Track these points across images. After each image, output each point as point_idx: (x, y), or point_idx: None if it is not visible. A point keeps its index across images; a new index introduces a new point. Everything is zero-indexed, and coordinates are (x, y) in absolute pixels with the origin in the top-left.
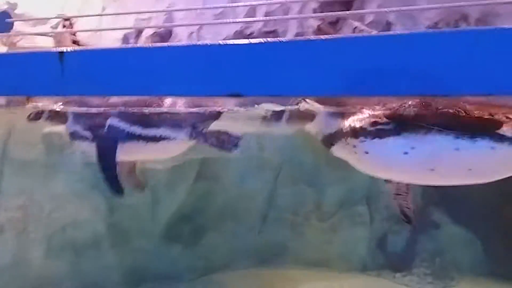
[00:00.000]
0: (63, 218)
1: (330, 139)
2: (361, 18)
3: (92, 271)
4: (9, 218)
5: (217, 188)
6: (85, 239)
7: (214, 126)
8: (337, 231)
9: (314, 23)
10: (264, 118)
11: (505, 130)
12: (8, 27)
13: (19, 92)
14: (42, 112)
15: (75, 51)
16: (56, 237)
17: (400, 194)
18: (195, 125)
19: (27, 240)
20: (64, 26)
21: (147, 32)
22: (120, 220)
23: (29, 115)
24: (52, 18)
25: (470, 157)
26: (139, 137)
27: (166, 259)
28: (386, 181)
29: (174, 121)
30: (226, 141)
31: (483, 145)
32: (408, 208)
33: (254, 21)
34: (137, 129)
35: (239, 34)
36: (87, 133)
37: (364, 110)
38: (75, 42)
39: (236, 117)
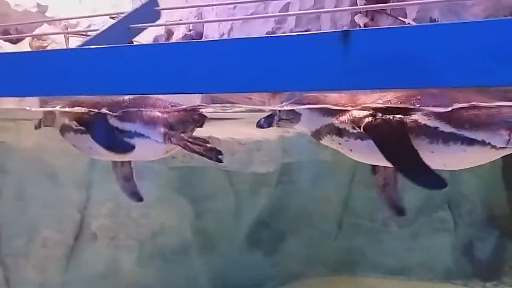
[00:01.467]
0: (150, 225)
1: (317, 135)
2: (404, 15)
3: (180, 278)
4: (99, 225)
5: (293, 192)
6: (172, 245)
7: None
8: (418, 238)
9: (360, 21)
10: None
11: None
12: (156, 16)
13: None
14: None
15: None
16: (145, 244)
17: (389, 184)
18: (172, 127)
19: (119, 248)
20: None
21: (178, 35)
22: (205, 226)
23: (35, 126)
24: (106, 15)
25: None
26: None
27: (248, 266)
28: (373, 173)
29: (149, 119)
30: (208, 149)
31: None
32: (398, 198)
33: (269, 17)
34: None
35: (271, 34)
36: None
37: (346, 109)
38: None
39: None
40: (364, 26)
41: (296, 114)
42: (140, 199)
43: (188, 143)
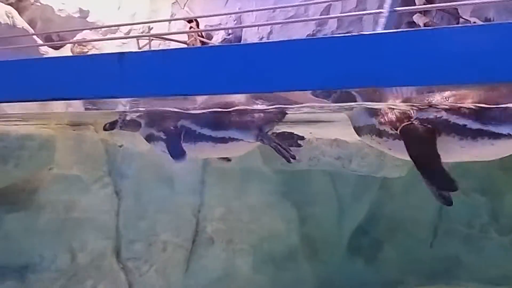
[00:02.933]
0: (260, 229)
1: (358, 131)
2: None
3: (289, 285)
4: (215, 229)
5: (388, 198)
6: (282, 250)
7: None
8: None
9: (419, 21)
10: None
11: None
12: None
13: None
14: (116, 121)
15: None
16: (258, 248)
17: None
18: (262, 127)
19: (235, 252)
20: (190, 28)
21: (217, 39)
22: (310, 231)
23: (105, 126)
24: (181, 19)
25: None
26: (209, 138)
27: (350, 273)
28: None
29: (241, 123)
30: (286, 148)
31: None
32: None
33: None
34: (207, 131)
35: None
36: (161, 134)
37: (387, 111)
38: (203, 43)
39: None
40: (424, 25)
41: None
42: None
43: (278, 146)
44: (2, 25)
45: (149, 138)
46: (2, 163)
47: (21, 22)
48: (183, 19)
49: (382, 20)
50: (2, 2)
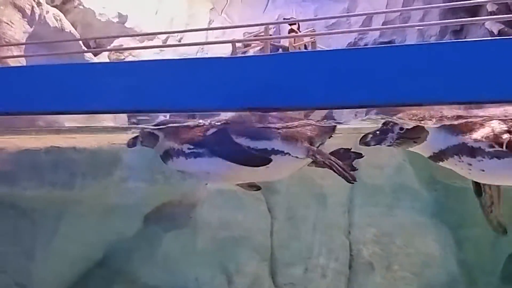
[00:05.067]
0: (417, 254)
1: (440, 156)
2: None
3: None
4: (371, 253)
5: None
6: (441, 279)
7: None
8: None
9: (493, 28)
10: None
11: None
12: None
13: None
14: (137, 137)
15: None
16: (418, 276)
17: (493, 204)
18: (312, 140)
19: (395, 280)
20: (292, 31)
21: (255, 48)
22: (467, 257)
23: (128, 143)
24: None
25: None
26: (245, 150)
27: None
28: (478, 194)
29: (288, 132)
30: (344, 167)
31: None
32: (501, 215)
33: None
34: (244, 141)
35: (353, 46)
36: (185, 148)
37: (479, 127)
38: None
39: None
40: (499, 33)
41: (422, 132)
42: None
43: (334, 163)
44: (51, 28)
45: (167, 155)
46: (162, 179)
47: (68, 26)
48: (285, 22)
49: None
50: (47, 4)
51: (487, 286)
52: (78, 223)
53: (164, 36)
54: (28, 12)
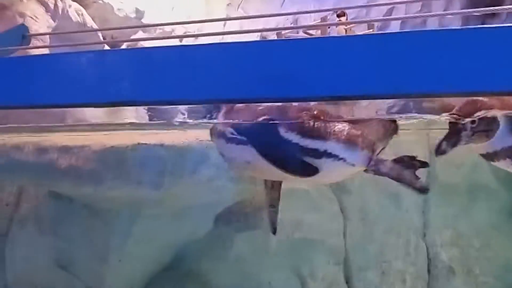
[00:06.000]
0: (497, 257)
1: (494, 156)
2: None
3: None
4: (450, 257)
5: None
6: None
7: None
8: None
9: None
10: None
11: None
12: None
13: None
14: None
15: None
16: (501, 281)
17: None
18: (374, 146)
19: (477, 286)
20: (339, 19)
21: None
22: None
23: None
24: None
25: None
26: (293, 148)
27: None
28: None
29: (348, 134)
30: (412, 178)
31: None
32: None
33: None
34: (293, 136)
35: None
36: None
37: None
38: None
39: None
40: None
41: (494, 124)
42: (274, 231)
43: (401, 175)
44: (74, 23)
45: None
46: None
47: (89, 21)
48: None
49: None
50: None
51: None
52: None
53: (182, 31)
54: (52, 6)
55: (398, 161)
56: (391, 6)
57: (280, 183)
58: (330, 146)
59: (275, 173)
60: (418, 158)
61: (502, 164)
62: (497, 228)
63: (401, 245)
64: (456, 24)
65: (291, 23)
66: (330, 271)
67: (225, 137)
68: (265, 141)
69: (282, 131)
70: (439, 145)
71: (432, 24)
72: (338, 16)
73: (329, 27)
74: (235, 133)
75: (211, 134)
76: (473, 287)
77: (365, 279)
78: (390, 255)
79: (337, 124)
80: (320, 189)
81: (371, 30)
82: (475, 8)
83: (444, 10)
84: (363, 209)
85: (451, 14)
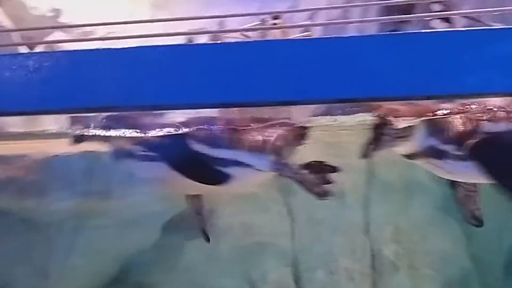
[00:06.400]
0: (435, 251)
1: (412, 156)
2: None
3: None
4: (392, 252)
5: None
6: (456, 274)
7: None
8: None
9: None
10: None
11: None
12: None
13: None
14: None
15: None
16: (440, 273)
17: (469, 195)
18: (280, 150)
19: (418, 279)
20: (274, 24)
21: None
22: (477, 251)
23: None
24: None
25: None
26: (202, 158)
27: None
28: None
29: (253, 141)
30: (316, 182)
31: None
32: (478, 209)
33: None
34: (203, 148)
35: None
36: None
37: (448, 129)
38: None
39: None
40: None
41: (413, 129)
42: (207, 238)
43: (304, 179)
44: None
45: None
46: None
47: (3, 19)
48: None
49: None
50: None
51: (497, 280)
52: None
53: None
54: None
55: (306, 166)
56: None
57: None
58: (238, 154)
59: (191, 186)
60: (326, 163)
61: (419, 163)
62: (433, 223)
63: (347, 243)
64: (374, 30)
65: (218, 25)
66: (279, 274)
67: (133, 155)
68: (176, 154)
69: (192, 143)
70: (364, 149)
71: (352, 29)
72: (274, 18)
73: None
74: (146, 150)
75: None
76: (415, 280)
77: (315, 277)
78: (337, 253)
79: (244, 132)
80: (268, 191)
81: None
82: (389, 15)
83: (362, 17)
84: (308, 209)
85: (371, 21)
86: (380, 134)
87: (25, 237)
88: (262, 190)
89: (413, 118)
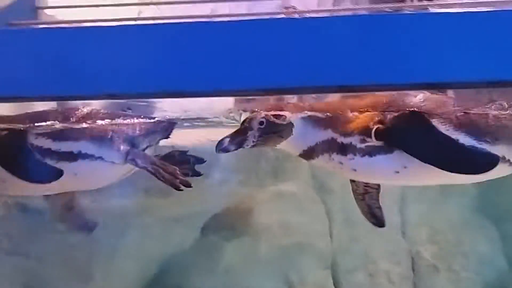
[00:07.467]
0: (471, 252)
1: (310, 154)
2: None
3: None
4: (431, 254)
5: None
6: (492, 277)
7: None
8: None
9: None
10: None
11: None
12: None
13: None
14: None
15: None
16: (481, 276)
17: (368, 192)
18: (135, 141)
19: (459, 282)
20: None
21: None
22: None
23: None
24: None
25: None
26: (47, 155)
27: None
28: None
29: (101, 132)
30: (174, 173)
31: None
32: (379, 207)
33: None
34: (45, 142)
35: None
36: None
37: (350, 122)
38: None
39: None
40: None
41: (287, 126)
42: (90, 231)
43: (160, 169)
44: None
45: None
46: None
47: None
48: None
49: None
50: None
51: None
52: None
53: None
54: None
55: (168, 156)
56: None
57: None
58: (84, 146)
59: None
60: (190, 153)
61: (322, 160)
62: (468, 223)
63: (385, 245)
64: None
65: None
66: (318, 276)
67: None
68: (8, 150)
69: (32, 138)
70: (221, 142)
71: None
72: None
73: None
74: None
75: None
76: (456, 283)
77: (354, 280)
78: (376, 255)
79: (88, 122)
80: (306, 190)
81: None
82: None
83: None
84: (346, 208)
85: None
86: (243, 128)
87: (64, 237)
88: (300, 188)
89: (295, 113)
